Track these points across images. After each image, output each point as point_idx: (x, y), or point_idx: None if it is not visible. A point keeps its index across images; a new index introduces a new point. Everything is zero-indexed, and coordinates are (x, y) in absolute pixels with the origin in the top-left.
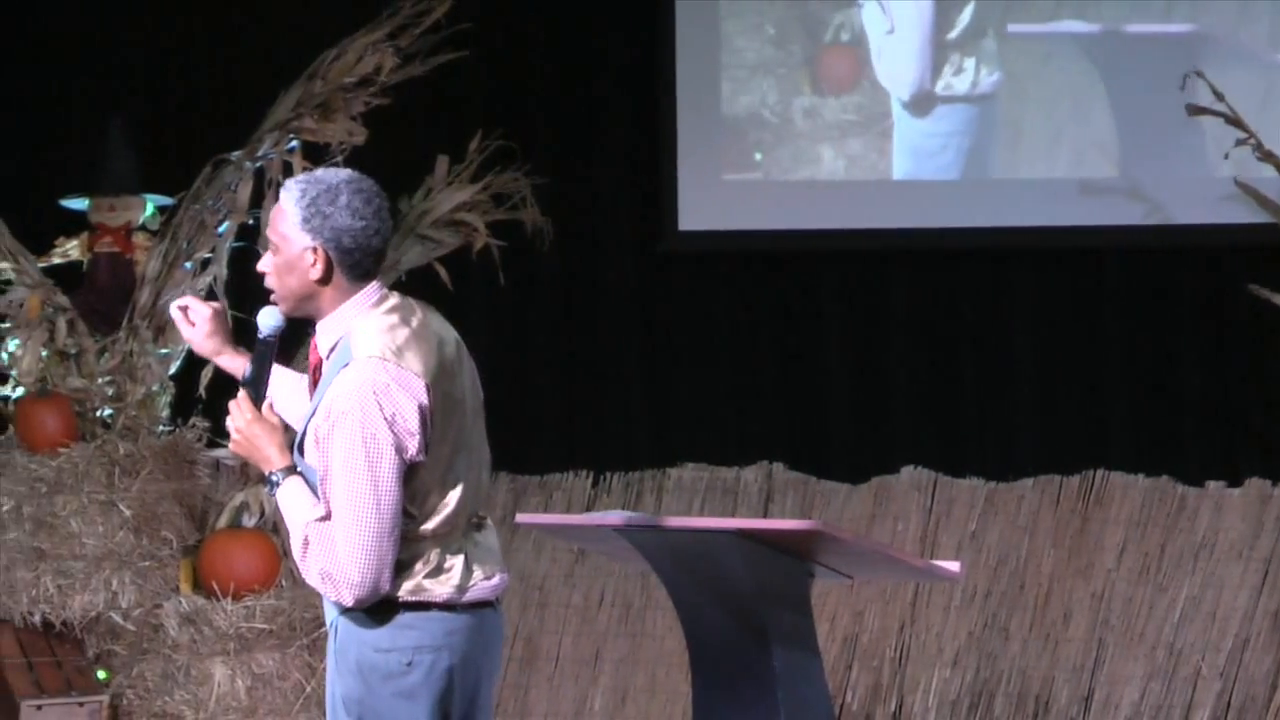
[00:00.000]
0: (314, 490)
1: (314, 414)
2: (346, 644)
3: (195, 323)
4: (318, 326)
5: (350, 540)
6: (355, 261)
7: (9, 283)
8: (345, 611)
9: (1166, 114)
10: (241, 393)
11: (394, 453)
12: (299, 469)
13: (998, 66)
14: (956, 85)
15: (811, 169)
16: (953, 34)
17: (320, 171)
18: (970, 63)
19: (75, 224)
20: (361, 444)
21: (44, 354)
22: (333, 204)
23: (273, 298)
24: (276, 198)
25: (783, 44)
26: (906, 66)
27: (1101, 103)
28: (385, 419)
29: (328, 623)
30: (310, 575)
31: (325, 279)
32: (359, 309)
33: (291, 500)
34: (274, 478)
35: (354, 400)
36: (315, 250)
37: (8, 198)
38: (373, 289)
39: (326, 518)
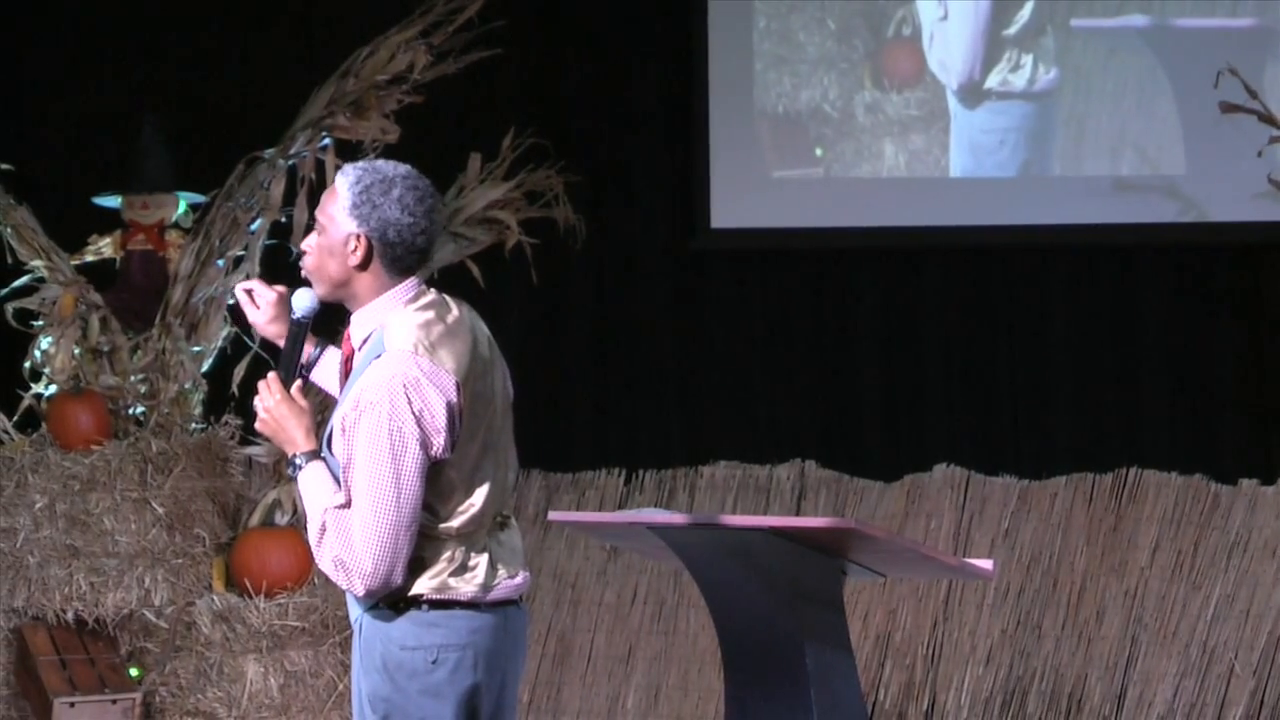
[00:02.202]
0: (336, 479)
1: (342, 404)
2: (372, 641)
3: (260, 305)
4: (353, 317)
5: (367, 530)
6: (397, 255)
7: (42, 280)
8: (371, 609)
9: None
10: (272, 373)
11: (419, 448)
12: (322, 455)
13: (1054, 62)
14: (1014, 80)
15: (873, 164)
16: (1011, 29)
17: (380, 162)
18: (1029, 58)
19: (108, 222)
20: (387, 435)
21: (77, 352)
22: (385, 195)
23: (308, 277)
24: (310, 195)
25: (845, 38)
26: (958, 56)
27: (1148, 99)
28: (414, 413)
29: (352, 620)
30: (324, 561)
31: (363, 266)
32: (395, 303)
33: (312, 485)
34: (297, 460)
35: (384, 392)
36: (359, 238)
37: (41, 196)
38: (411, 284)
39: (346, 505)
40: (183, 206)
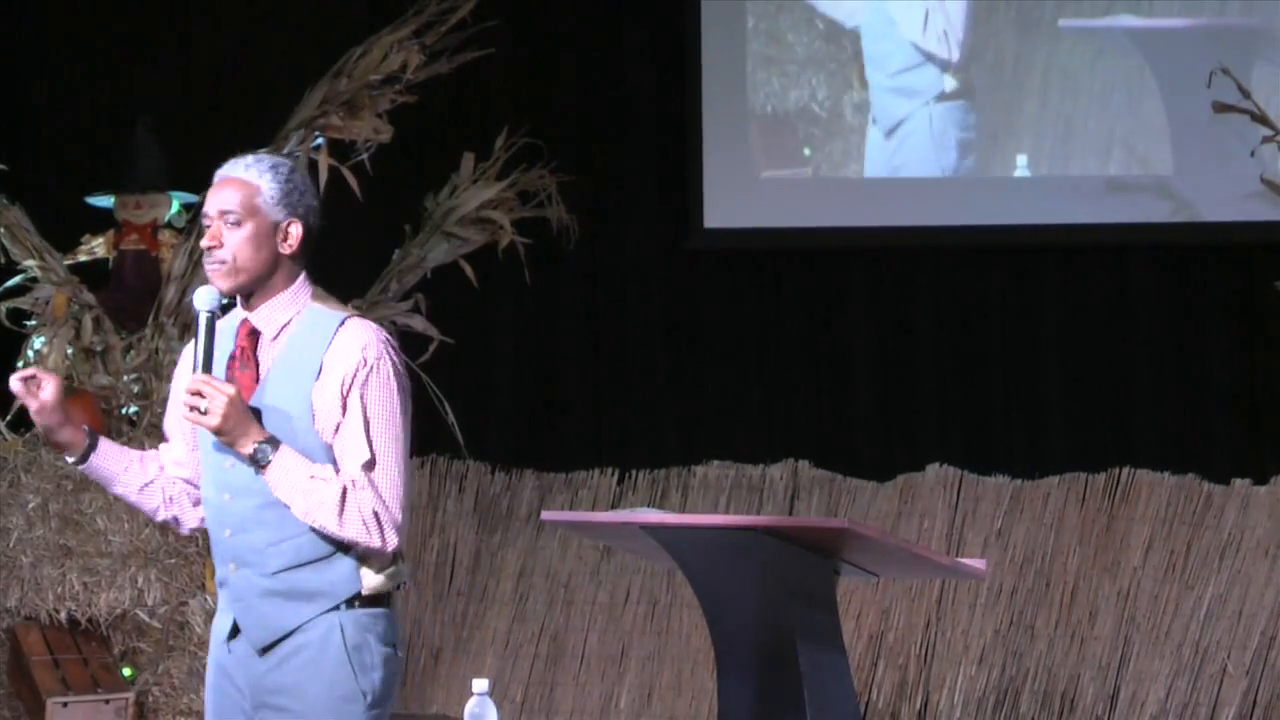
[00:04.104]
0: (301, 455)
1: (312, 377)
2: (364, 640)
3: (42, 390)
4: (261, 306)
5: (394, 482)
6: (310, 240)
7: (35, 280)
8: (349, 607)
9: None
10: (202, 375)
11: (409, 401)
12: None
13: (1042, 62)
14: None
15: (861, 164)
16: (997, 29)
17: (264, 151)
18: (1015, 58)
19: (102, 221)
20: (395, 390)
21: (70, 351)
22: (304, 183)
23: (214, 272)
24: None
25: (833, 38)
26: (945, 56)
27: (1135, 100)
28: (399, 371)
29: (320, 629)
30: (350, 524)
31: (295, 254)
32: (307, 290)
33: (293, 464)
34: (264, 448)
35: (379, 349)
36: (291, 225)
37: (34, 195)
38: (305, 274)
39: (372, 462)
40: (176, 206)
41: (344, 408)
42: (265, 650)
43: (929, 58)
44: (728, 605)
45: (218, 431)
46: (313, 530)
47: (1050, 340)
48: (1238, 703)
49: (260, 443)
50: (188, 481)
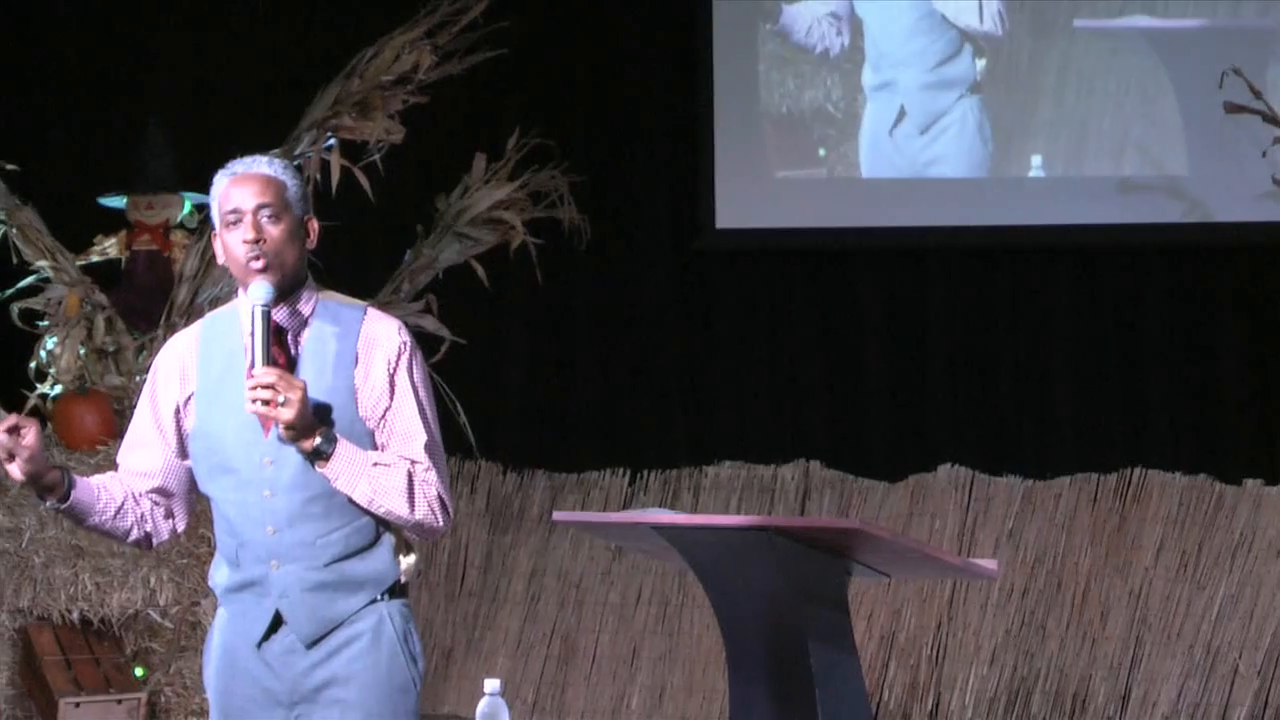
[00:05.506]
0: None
1: (354, 366)
2: (409, 629)
3: (24, 441)
4: (287, 301)
5: (443, 463)
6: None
7: (48, 281)
8: (390, 596)
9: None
10: (264, 368)
11: None
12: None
13: (1058, 62)
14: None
15: (871, 166)
16: (1011, 30)
17: (275, 152)
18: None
19: (114, 222)
20: (427, 373)
21: (82, 352)
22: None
23: (259, 266)
24: (315, 196)
25: (847, 39)
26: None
27: (1150, 100)
28: None
29: (371, 619)
30: (420, 507)
31: (312, 250)
32: (314, 285)
33: (355, 452)
34: (329, 440)
35: (407, 334)
36: (311, 222)
37: (47, 196)
38: None
39: (431, 443)
40: (188, 207)
41: (391, 391)
42: (313, 644)
43: (946, 58)
44: (739, 606)
45: (289, 425)
46: (364, 518)
47: (1062, 341)
48: (1249, 703)
49: (324, 434)
50: (156, 491)
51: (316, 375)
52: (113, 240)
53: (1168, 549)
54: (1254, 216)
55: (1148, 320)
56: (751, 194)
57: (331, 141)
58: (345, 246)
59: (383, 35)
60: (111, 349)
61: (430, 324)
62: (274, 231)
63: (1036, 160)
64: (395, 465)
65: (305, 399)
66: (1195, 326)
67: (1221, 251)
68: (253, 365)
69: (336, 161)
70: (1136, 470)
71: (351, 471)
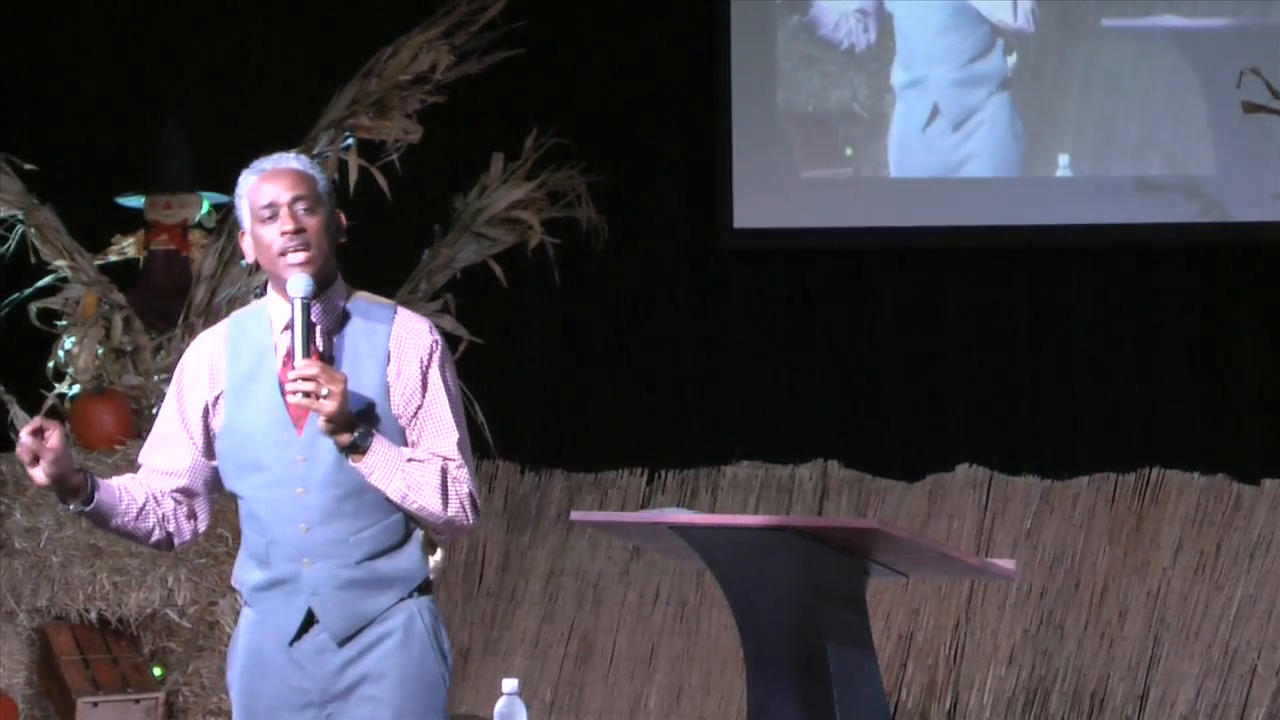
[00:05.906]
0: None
1: (381, 363)
2: (438, 626)
3: (49, 443)
4: (322, 296)
5: (472, 461)
6: None
7: (66, 280)
8: (420, 594)
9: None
10: (306, 360)
11: None
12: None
13: (1083, 62)
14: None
15: (898, 165)
16: (1038, 30)
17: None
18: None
19: (132, 222)
20: (455, 372)
21: (100, 351)
22: None
23: (300, 257)
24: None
25: (873, 38)
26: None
27: (1176, 100)
28: None
29: (402, 616)
30: (451, 506)
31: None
32: (342, 281)
33: (389, 447)
34: (366, 434)
35: (438, 333)
36: (340, 217)
37: (64, 196)
38: None
39: (463, 441)
40: (206, 206)
41: (424, 388)
42: (344, 642)
43: (978, 55)
44: (757, 606)
45: (331, 418)
46: (394, 516)
47: (1080, 340)
48: (1268, 703)
49: (362, 429)
50: (180, 491)
51: (350, 371)
52: (130, 240)
53: (1186, 549)
54: (1273, 216)
55: (1166, 320)
56: (772, 193)
57: (349, 141)
58: (363, 246)
59: (401, 35)
60: (129, 349)
61: (448, 323)
62: (311, 223)
63: (1064, 159)
64: (429, 462)
65: (346, 392)
66: (1213, 326)
67: (1242, 252)
68: (293, 357)
69: (354, 161)
70: (1155, 470)
71: (387, 466)
